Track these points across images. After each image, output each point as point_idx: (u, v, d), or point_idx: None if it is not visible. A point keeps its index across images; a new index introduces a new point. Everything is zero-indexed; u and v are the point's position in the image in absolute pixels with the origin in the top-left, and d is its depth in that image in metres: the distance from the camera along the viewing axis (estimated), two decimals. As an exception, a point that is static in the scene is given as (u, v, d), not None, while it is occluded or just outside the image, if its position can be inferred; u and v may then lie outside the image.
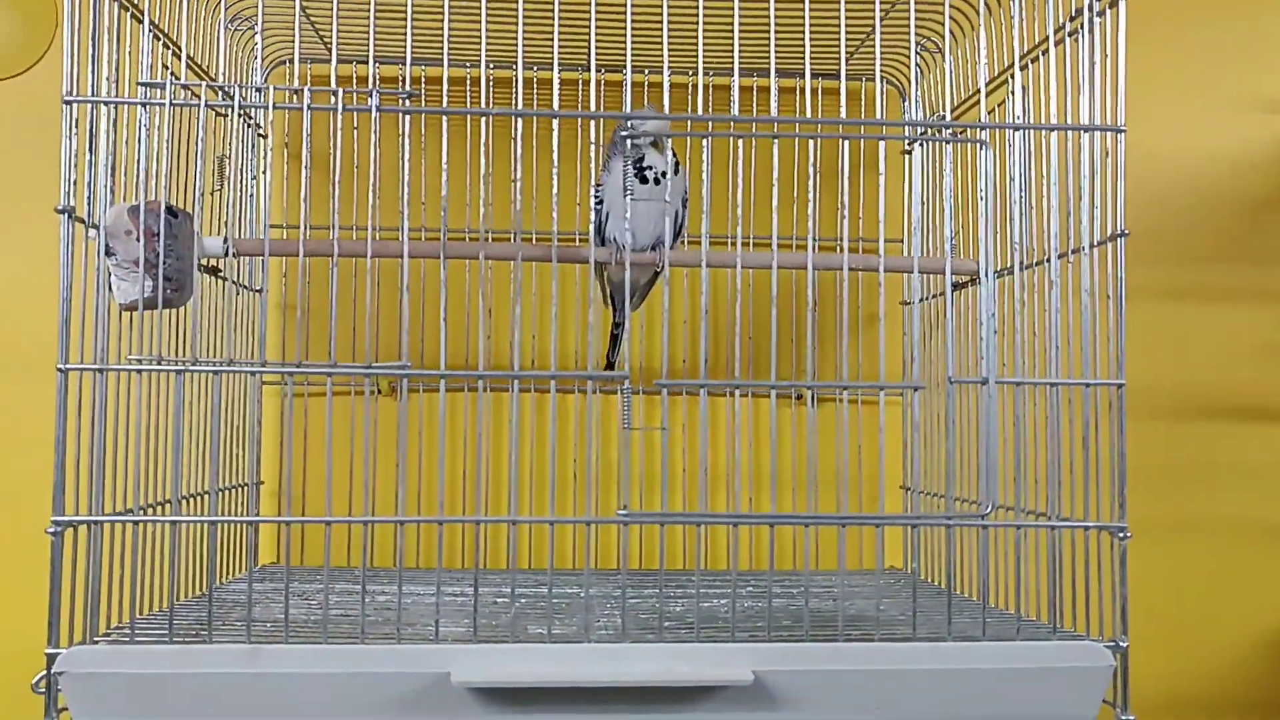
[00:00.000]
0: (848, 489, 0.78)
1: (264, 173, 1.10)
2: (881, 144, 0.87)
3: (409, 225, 0.76)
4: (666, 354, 0.74)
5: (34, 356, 1.02)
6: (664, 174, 0.91)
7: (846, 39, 0.96)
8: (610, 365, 1.06)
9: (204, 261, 0.91)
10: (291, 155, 1.15)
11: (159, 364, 0.71)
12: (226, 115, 1.00)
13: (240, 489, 1.03)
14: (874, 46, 0.86)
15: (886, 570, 1.15)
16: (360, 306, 1.10)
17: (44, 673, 0.70)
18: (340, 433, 1.08)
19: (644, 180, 0.90)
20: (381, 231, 0.89)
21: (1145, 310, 1.23)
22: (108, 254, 0.76)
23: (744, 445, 1.10)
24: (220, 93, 0.85)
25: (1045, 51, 0.86)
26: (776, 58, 0.84)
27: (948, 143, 0.84)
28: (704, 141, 0.87)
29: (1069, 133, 0.81)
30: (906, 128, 1.06)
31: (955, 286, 1.01)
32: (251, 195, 1.07)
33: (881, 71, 1.15)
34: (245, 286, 1.06)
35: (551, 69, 0.80)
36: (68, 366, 0.70)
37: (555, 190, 0.81)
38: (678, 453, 1.10)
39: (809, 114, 0.81)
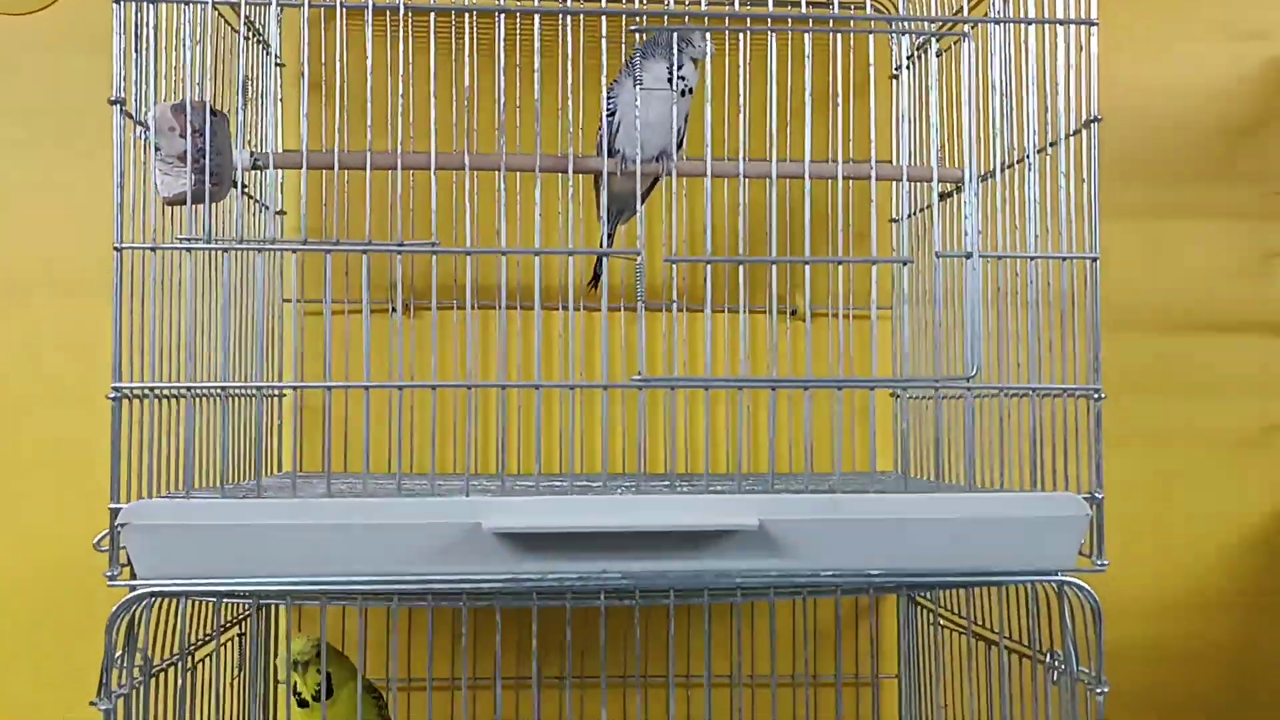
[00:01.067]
0: (844, 351, 0.84)
1: (279, 101, 1.15)
2: (871, 54, 0.93)
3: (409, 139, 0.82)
4: (677, 232, 0.80)
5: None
6: (690, 89, 0.97)
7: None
8: (596, 278, 1.12)
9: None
10: (310, 85, 1.20)
11: (209, 243, 0.76)
12: (247, 37, 1.05)
13: (277, 398, 1.09)
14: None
15: (880, 473, 1.21)
16: (375, 223, 1.15)
17: (106, 530, 0.77)
18: (357, 351, 1.13)
19: (673, 85, 0.96)
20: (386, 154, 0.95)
21: (1127, 229, 1.29)
22: (156, 149, 0.82)
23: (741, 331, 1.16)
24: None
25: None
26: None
27: (933, 38, 0.90)
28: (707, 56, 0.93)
29: (1045, 33, 0.87)
30: (893, 22, 1.11)
31: (941, 196, 1.08)
32: (270, 121, 1.12)
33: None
34: (266, 206, 1.12)
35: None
36: (123, 245, 0.76)
37: (567, 87, 0.87)
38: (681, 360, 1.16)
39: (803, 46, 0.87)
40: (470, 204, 0.83)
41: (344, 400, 1.06)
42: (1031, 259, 0.85)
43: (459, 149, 1.04)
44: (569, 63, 0.87)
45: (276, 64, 1.15)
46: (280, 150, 1.14)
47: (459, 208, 0.93)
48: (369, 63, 0.81)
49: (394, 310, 1.19)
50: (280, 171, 1.12)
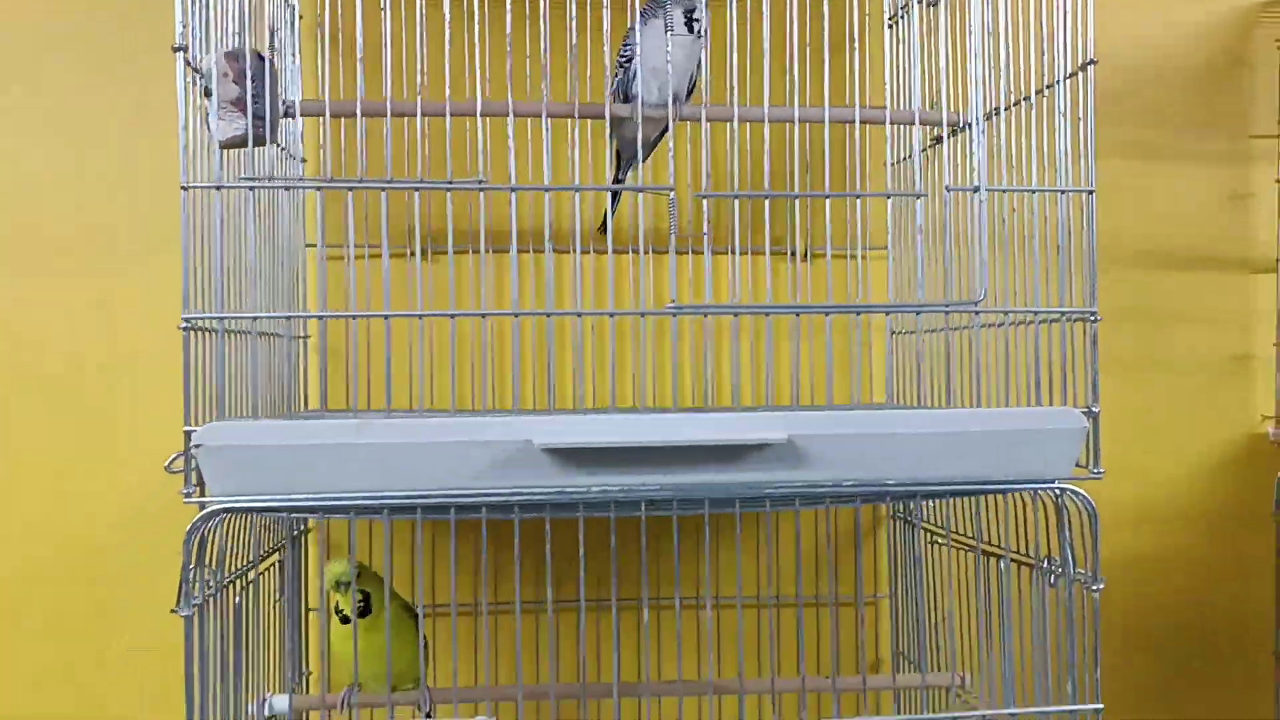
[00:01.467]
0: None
1: (296, 54, 1.19)
2: None
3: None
4: (708, 166, 0.86)
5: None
6: (706, 30, 1.02)
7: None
8: (605, 225, 1.17)
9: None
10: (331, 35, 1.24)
11: (270, 182, 0.81)
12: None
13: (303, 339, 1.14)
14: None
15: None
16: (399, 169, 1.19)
17: (179, 452, 0.82)
18: (377, 297, 1.17)
19: (691, 30, 1.00)
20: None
21: (1114, 169, 1.36)
22: (207, 95, 0.86)
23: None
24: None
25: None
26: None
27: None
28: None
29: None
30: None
31: (944, 137, 1.13)
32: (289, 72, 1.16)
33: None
34: (291, 155, 1.16)
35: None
36: (190, 184, 0.81)
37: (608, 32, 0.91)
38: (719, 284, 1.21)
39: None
40: (512, 146, 0.88)
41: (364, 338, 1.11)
42: (1033, 192, 0.91)
43: (471, 98, 1.08)
44: (604, 10, 0.92)
45: (297, 16, 1.18)
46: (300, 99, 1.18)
47: (475, 152, 0.97)
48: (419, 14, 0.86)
49: (414, 254, 1.26)
50: (301, 120, 1.16)
